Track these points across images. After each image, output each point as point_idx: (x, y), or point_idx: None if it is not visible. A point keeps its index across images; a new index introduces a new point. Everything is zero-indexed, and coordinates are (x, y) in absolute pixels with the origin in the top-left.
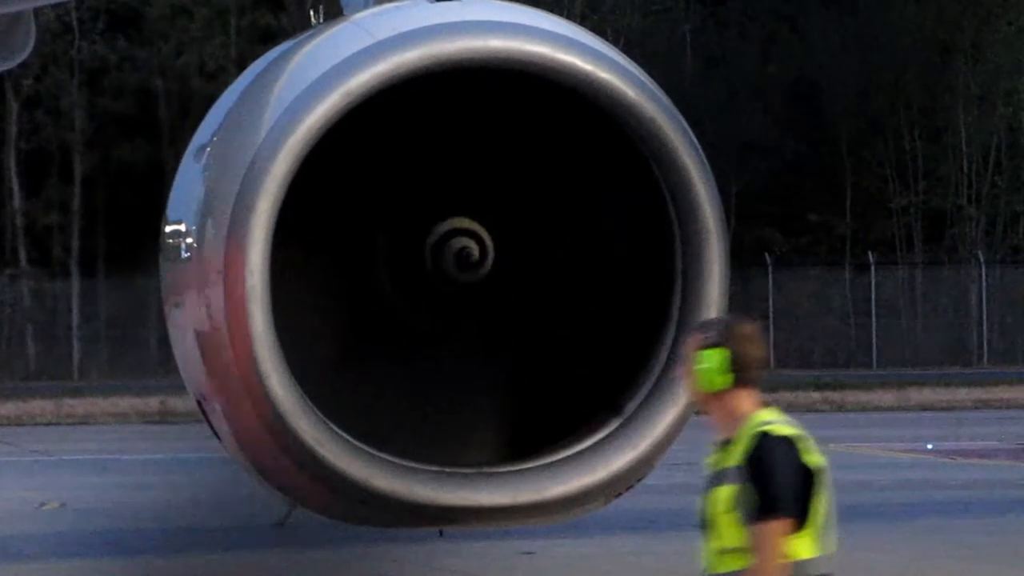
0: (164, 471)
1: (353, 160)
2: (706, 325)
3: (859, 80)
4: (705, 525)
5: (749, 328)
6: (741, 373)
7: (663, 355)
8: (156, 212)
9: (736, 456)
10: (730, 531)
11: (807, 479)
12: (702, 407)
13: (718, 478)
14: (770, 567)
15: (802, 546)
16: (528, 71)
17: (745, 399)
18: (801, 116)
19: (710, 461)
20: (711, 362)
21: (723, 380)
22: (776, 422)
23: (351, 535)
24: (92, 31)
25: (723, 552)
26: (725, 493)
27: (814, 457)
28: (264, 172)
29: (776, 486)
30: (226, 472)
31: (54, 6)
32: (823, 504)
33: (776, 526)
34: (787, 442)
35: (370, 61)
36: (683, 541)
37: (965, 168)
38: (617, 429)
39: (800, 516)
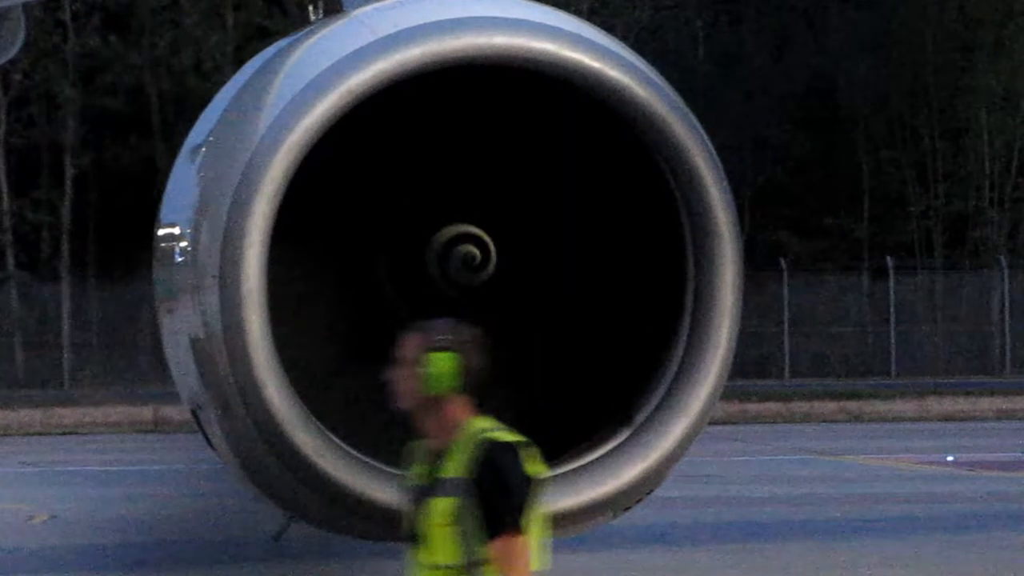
0: (157, 482)
1: (353, 160)
2: (429, 327)
3: (877, 79)
4: (416, 539)
5: (475, 334)
6: (466, 380)
7: (674, 364)
8: (149, 214)
9: (455, 466)
10: (445, 546)
11: (532, 488)
12: (413, 412)
13: (431, 489)
14: None
15: None
16: (534, 68)
17: (463, 407)
18: (817, 116)
19: (418, 471)
20: (440, 366)
21: (449, 386)
22: (496, 429)
23: (350, 549)
24: (85, 27)
25: (436, 568)
26: (442, 506)
27: (535, 466)
28: (261, 173)
29: (515, 496)
30: (221, 483)
31: (45, 1)
32: (538, 516)
33: (519, 539)
34: (514, 450)
35: (371, 58)
36: (694, 555)
37: (987, 169)
38: (627, 440)
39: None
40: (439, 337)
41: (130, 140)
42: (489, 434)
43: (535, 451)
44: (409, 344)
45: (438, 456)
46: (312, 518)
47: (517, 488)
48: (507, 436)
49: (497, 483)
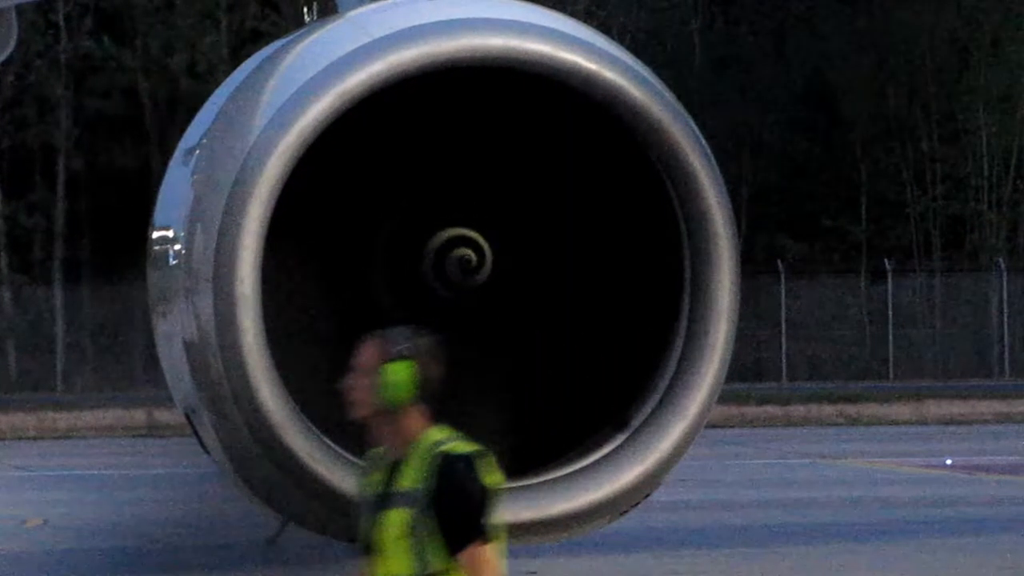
0: (151, 487)
1: (348, 163)
2: (387, 336)
3: (875, 80)
4: (369, 550)
5: (432, 343)
6: (423, 390)
7: (671, 367)
8: (143, 217)
9: (411, 478)
10: (399, 558)
11: (490, 498)
12: (369, 422)
13: (386, 500)
14: None
15: None
16: (530, 70)
17: (420, 417)
18: (814, 118)
19: (372, 481)
20: (398, 376)
21: (406, 396)
22: (452, 440)
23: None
24: (79, 29)
25: None
26: (398, 517)
27: (492, 475)
28: (255, 176)
29: (475, 507)
30: (216, 487)
31: (39, 2)
32: (499, 525)
33: (486, 548)
34: (470, 461)
35: (365, 60)
36: (692, 559)
37: (985, 171)
38: (623, 444)
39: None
40: (396, 346)
41: (124, 142)
42: (445, 445)
43: (492, 460)
44: (365, 352)
45: (394, 466)
46: (306, 521)
47: (476, 499)
48: (463, 447)
49: (456, 495)
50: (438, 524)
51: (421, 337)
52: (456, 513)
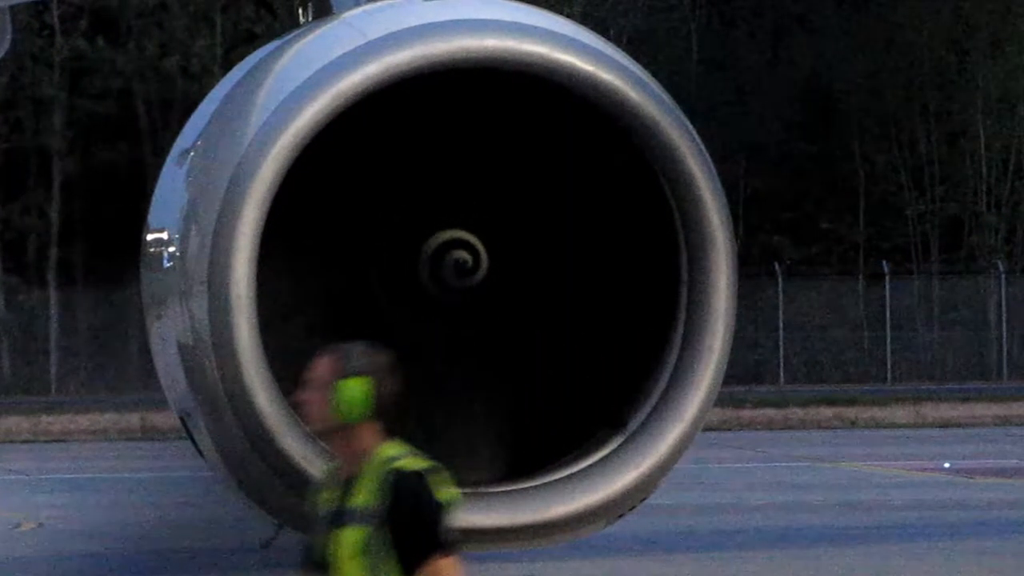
0: (146, 490)
1: (343, 164)
2: (342, 352)
3: (872, 81)
4: (322, 568)
5: (389, 360)
6: (379, 407)
7: (667, 369)
8: (138, 219)
9: (365, 495)
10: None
11: (445, 513)
12: (324, 438)
13: (340, 518)
14: None
15: None
16: (526, 72)
17: (373, 433)
18: (812, 119)
19: (325, 497)
20: (353, 393)
21: (362, 413)
22: (405, 456)
23: None
24: (73, 30)
25: None
26: (352, 536)
27: (445, 491)
28: (250, 177)
29: (431, 524)
30: (210, 491)
31: (33, 3)
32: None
33: (445, 563)
34: (423, 477)
35: (361, 62)
36: (689, 563)
37: (984, 173)
38: (620, 447)
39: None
40: (353, 362)
41: (118, 144)
42: (398, 463)
43: (445, 476)
44: (321, 366)
45: (347, 483)
46: (301, 525)
47: (431, 515)
48: (416, 464)
49: (410, 512)
50: (393, 541)
51: (378, 353)
52: (411, 530)
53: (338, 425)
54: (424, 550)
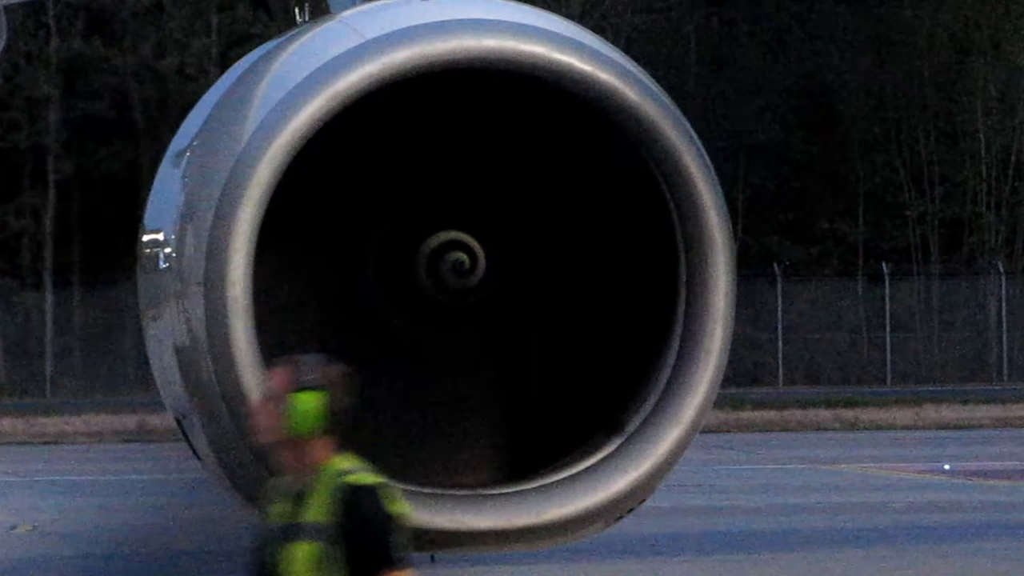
0: (141, 492)
1: (341, 165)
2: (296, 364)
3: (872, 81)
4: None
5: (343, 372)
6: (331, 420)
7: (666, 371)
8: (133, 220)
9: (317, 510)
10: None
11: (397, 527)
12: (274, 450)
13: (291, 532)
14: None
15: None
16: (524, 72)
17: (325, 447)
18: (811, 119)
19: (276, 511)
20: (308, 405)
21: (314, 426)
22: (356, 471)
23: None
24: (69, 30)
25: None
26: (305, 551)
27: (397, 505)
28: (247, 178)
29: (383, 538)
30: (206, 493)
31: (29, 3)
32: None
33: (404, 574)
34: (374, 492)
35: (358, 61)
36: (687, 565)
37: (984, 174)
38: (618, 449)
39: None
40: (307, 375)
41: (114, 144)
42: (350, 476)
43: (396, 490)
44: (276, 378)
45: (299, 496)
46: None
47: (383, 529)
48: (367, 478)
49: (363, 527)
50: (346, 556)
51: (333, 366)
52: (364, 545)
53: (289, 438)
54: (377, 565)
